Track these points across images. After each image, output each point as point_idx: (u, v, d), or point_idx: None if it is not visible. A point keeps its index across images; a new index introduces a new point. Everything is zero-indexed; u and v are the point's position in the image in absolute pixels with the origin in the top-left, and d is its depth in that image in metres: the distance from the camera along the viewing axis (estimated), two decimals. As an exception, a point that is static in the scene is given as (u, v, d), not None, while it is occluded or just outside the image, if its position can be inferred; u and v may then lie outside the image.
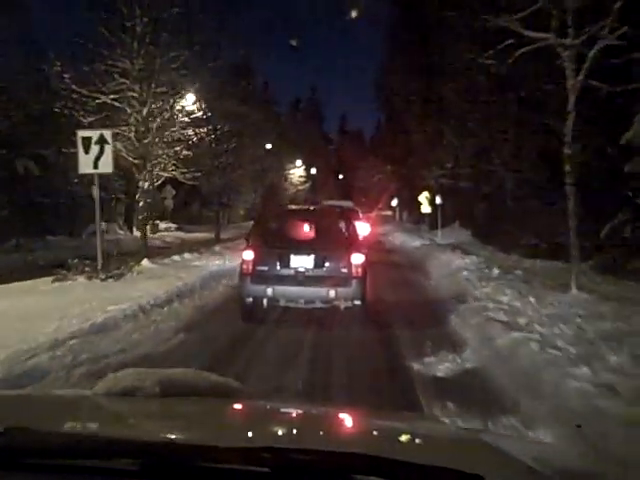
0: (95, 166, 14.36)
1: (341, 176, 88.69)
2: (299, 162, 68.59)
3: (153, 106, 19.92)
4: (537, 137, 22.34)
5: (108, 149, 14.12)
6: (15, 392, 4.32)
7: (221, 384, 2.50)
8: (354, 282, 9.99)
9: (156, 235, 37.35)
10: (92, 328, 9.19)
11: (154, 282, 13.91)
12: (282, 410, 2.69)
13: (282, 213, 11.71)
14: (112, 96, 17.83)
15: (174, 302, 12.24)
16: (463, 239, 29.13)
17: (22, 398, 2.87)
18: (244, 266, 10.35)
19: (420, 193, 36.79)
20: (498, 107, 23.66)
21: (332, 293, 9.93)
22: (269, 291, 10.13)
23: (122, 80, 17.91)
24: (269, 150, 48.87)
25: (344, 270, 10.01)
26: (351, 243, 10.48)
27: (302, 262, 10.16)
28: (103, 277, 14.34)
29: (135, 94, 17.95)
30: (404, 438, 2.23)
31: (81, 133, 14.40)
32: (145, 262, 17.53)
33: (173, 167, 34.80)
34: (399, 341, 9.31)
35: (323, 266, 10.09)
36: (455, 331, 9.91)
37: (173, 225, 45.47)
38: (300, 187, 67.08)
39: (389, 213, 71.85)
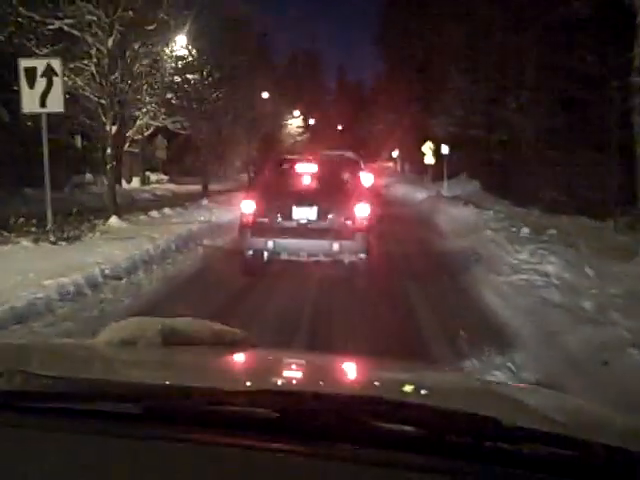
0: (42, 104, 11.67)
1: (340, 127, 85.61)
2: (297, 112, 66.03)
3: (140, 49, 18.43)
4: (559, 80, 19.24)
5: (58, 83, 11.42)
6: (13, 341, 4.08)
7: (227, 333, 2.28)
8: (358, 235, 9.54)
9: (147, 187, 34.55)
10: (9, 314, 6.59)
11: (118, 245, 11.42)
12: (291, 358, 2.53)
13: (283, 163, 11.16)
14: (67, 21, 14.54)
15: (138, 271, 9.96)
16: (471, 191, 26.41)
17: (20, 347, 2.63)
18: (244, 218, 9.95)
19: (423, 143, 34.60)
20: (515, 46, 20.46)
21: (335, 246, 9.51)
22: (270, 244, 9.74)
23: (82, 3, 14.60)
24: (265, 99, 47.13)
25: (348, 222, 9.60)
26: (355, 194, 10.00)
27: (304, 214, 9.76)
28: (53, 240, 11.68)
29: (94, 17, 14.71)
30: (416, 385, 2.03)
31: (24, 63, 11.47)
32: (114, 220, 14.85)
33: (163, 116, 33.08)
34: (423, 333, 6.85)
35: (326, 218, 9.68)
36: (496, 317, 7.33)
37: (165, 177, 42.56)
38: (298, 138, 63.98)
39: (390, 165, 69.43)
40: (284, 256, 9.90)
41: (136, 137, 34.65)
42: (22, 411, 1.47)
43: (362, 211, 9.66)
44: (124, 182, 34.79)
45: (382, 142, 60.01)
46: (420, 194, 29.72)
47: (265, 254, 10.11)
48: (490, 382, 2.83)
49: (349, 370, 2.38)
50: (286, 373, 2.19)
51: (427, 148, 34.11)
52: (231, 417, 1.41)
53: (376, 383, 2.13)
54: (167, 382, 1.72)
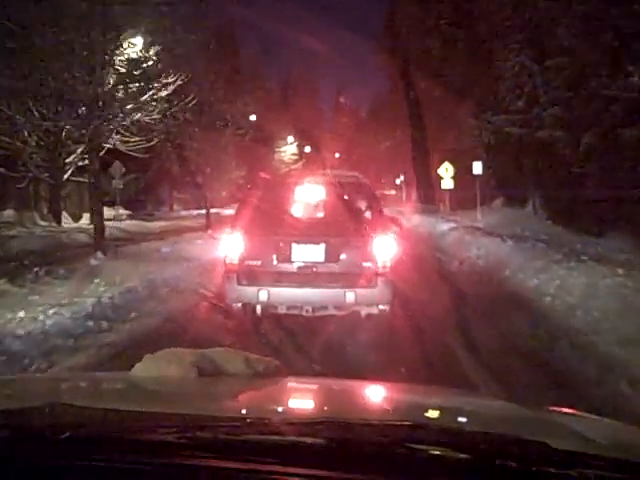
0: None
1: (337, 154, 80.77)
2: (291, 139, 65.82)
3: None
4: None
5: None
6: (52, 374, 4.50)
7: (259, 362, 2.40)
8: (381, 281, 7.94)
9: (92, 226, 27.38)
10: None
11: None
12: (326, 386, 2.62)
13: (279, 186, 8.99)
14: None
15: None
16: (525, 223, 18.94)
17: (59, 379, 2.85)
18: (227, 260, 8.27)
19: (438, 165, 30.64)
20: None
21: (350, 296, 7.93)
22: (263, 294, 8.09)
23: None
24: (254, 122, 44.38)
25: (366, 264, 7.98)
26: (375, 225, 8.25)
27: (308, 254, 8.16)
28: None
29: None
30: (456, 411, 2.13)
31: None
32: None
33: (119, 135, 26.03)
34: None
35: (337, 259, 8.07)
36: None
37: (125, 212, 36.83)
38: (292, 165, 59.55)
39: (392, 192, 65.09)
40: (282, 310, 8.25)
41: (80, 163, 27.64)
42: (67, 442, 1.46)
43: (385, 248, 8.06)
44: (65, 220, 27.37)
45: (384, 167, 53.45)
46: (441, 225, 24.69)
47: (258, 308, 8.28)
48: (523, 406, 2.53)
49: (386, 397, 2.40)
50: (327, 402, 2.23)
51: (445, 170, 29.95)
52: (281, 447, 1.42)
53: (417, 409, 2.14)
54: (212, 413, 1.76)
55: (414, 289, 10.41)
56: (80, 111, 18.38)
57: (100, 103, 18.52)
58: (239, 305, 8.42)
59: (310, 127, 75.35)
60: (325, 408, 2.09)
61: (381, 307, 8.11)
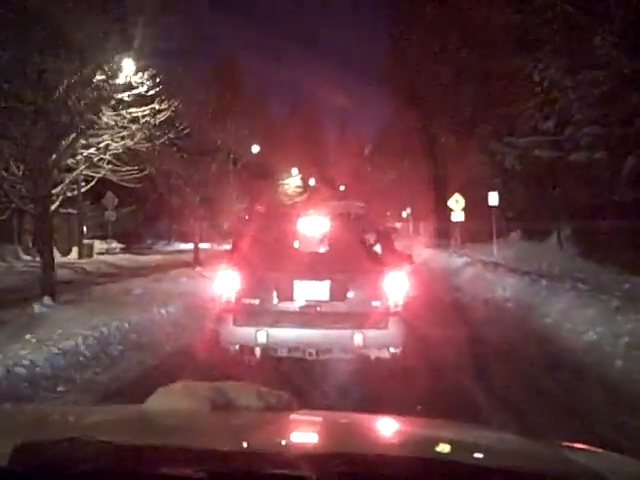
0: None
1: (342, 187, 79.91)
2: (295, 171, 62.82)
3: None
4: None
5: None
6: (65, 407, 4.61)
7: (272, 396, 2.39)
8: (392, 321, 7.34)
9: (84, 261, 27.13)
10: None
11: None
12: (339, 419, 2.63)
13: (280, 217, 8.49)
14: None
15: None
16: (554, 260, 16.76)
17: (72, 411, 2.86)
18: (222, 299, 7.71)
19: (449, 197, 29.01)
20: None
21: (358, 338, 7.28)
22: (262, 336, 7.45)
23: None
24: (257, 153, 44.10)
25: (376, 303, 7.39)
26: (385, 260, 7.67)
27: (312, 291, 7.57)
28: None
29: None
30: (470, 445, 2.13)
31: None
32: None
33: (109, 164, 24.25)
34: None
35: (344, 297, 7.48)
36: None
37: (118, 246, 35.34)
38: (297, 198, 57.34)
39: (398, 225, 61.35)
40: (282, 353, 7.58)
41: (69, 194, 25.27)
42: (86, 477, 1.48)
43: (396, 285, 7.46)
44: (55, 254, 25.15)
45: (390, 200, 51.77)
46: (454, 260, 23.23)
47: (257, 351, 7.59)
48: (536, 441, 2.48)
49: (399, 430, 2.38)
50: (340, 435, 2.18)
51: (455, 202, 28.43)
52: None
53: (430, 443, 2.12)
54: (228, 447, 1.74)
55: (430, 336, 8.91)
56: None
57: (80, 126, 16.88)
58: (236, 348, 7.73)
59: (314, 160, 74.97)
60: (337, 442, 2.01)
61: (392, 350, 7.50)
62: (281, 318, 7.55)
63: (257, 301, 7.67)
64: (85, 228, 35.18)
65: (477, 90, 22.96)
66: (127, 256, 31.05)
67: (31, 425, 2.16)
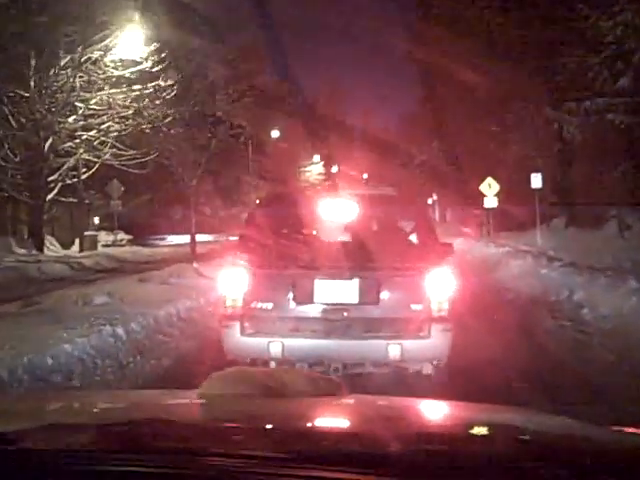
0: None
1: (366, 175, 78.33)
2: (317, 157, 62.98)
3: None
4: None
5: None
6: (122, 390, 4.50)
7: (323, 382, 2.41)
8: (436, 329, 6.18)
9: (86, 253, 24.61)
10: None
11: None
12: (391, 404, 2.59)
13: (297, 203, 7.15)
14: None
15: None
16: (620, 252, 13.97)
17: (131, 395, 2.98)
18: (228, 302, 6.48)
19: (481, 181, 26.51)
20: None
21: (395, 350, 6.16)
22: (276, 348, 6.26)
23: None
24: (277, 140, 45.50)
25: (416, 306, 6.24)
26: (427, 254, 6.48)
27: (337, 293, 6.41)
28: None
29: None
30: (528, 428, 2.06)
31: None
32: None
33: (110, 148, 23.63)
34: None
35: (376, 299, 6.30)
36: None
37: (126, 237, 33.34)
38: (319, 187, 55.61)
39: None
40: (302, 367, 6.18)
41: (69, 182, 23.78)
42: (151, 453, 1.51)
43: (441, 285, 6.25)
44: (52, 247, 23.16)
45: (415, 187, 49.91)
46: (491, 250, 20.90)
47: (271, 366, 6.30)
48: (586, 424, 2.39)
49: (452, 415, 2.39)
50: (391, 418, 2.14)
51: (487, 187, 26.26)
52: (354, 457, 1.47)
53: (488, 426, 2.09)
54: (283, 430, 1.79)
55: (485, 355, 6.94)
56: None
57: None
58: (246, 362, 6.57)
59: (337, 147, 72.72)
60: (389, 425, 1.87)
61: (435, 363, 6.47)
62: (299, 326, 6.46)
63: (270, 305, 6.48)
64: (97, 219, 33.27)
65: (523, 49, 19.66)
66: (134, 248, 29.17)
67: (80, 411, 2.14)
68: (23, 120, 21.35)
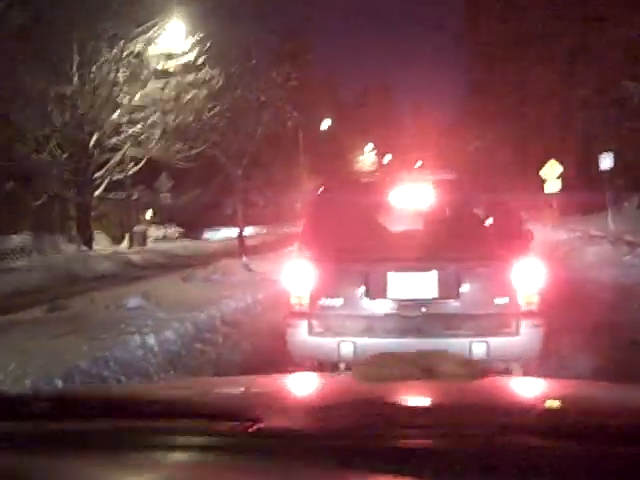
0: None
1: (420, 163, 77.52)
2: (370, 146, 62.41)
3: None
4: None
5: None
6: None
7: (471, 365, 2.58)
8: (526, 325, 5.60)
9: (135, 249, 24.56)
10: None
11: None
12: (536, 385, 2.59)
13: (364, 189, 6.57)
14: None
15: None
16: None
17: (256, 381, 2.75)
18: (293, 299, 5.94)
19: (541, 166, 25.63)
20: None
21: (480, 349, 5.53)
22: (347, 348, 5.71)
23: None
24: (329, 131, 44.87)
25: (501, 300, 5.65)
26: (513, 243, 5.86)
27: (413, 286, 5.83)
28: None
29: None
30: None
31: None
32: None
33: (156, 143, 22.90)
34: None
35: (456, 293, 5.69)
36: None
37: (177, 230, 33.22)
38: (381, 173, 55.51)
39: None
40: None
41: (116, 177, 23.23)
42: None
43: (530, 276, 5.66)
44: (101, 243, 22.76)
45: (471, 172, 48.10)
46: (561, 235, 20.15)
47: (341, 368, 5.88)
48: None
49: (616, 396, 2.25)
50: (542, 401, 2.15)
51: (549, 170, 25.28)
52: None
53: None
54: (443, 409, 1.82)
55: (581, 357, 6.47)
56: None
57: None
58: (314, 364, 6.15)
59: (389, 135, 73.79)
60: (542, 407, 1.90)
61: (525, 362, 5.91)
62: (373, 324, 5.87)
63: (339, 301, 5.88)
64: (150, 213, 32.95)
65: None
66: (184, 243, 28.90)
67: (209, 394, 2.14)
68: (67, 116, 20.95)
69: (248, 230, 28.31)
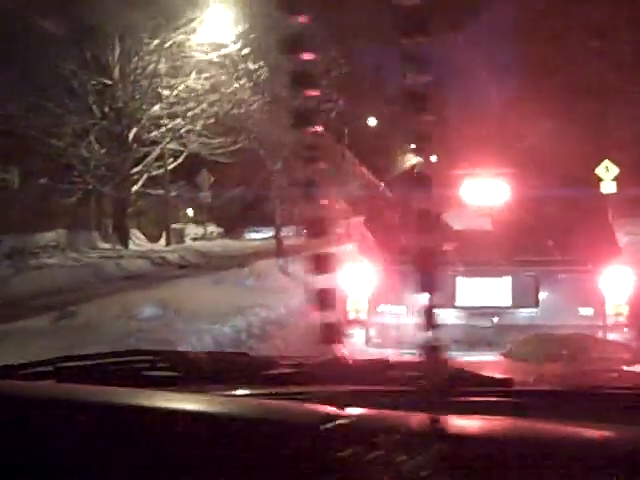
0: None
1: (466, 163, 76.99)
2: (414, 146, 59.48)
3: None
4: None
5: None
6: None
7: (619, 348, 2.67)
8: (612, 338, 5.02)
9: (170, 248, 23.67)
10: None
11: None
12: None
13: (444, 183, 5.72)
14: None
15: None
16: None
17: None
18: (350, 306, 5.42)
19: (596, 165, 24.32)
20: None
21: None
22: None
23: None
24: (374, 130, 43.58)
25: (587, 311, 5.12)
26: (599, 246, 5.34)
27: (484, 294, 5.40)
28: None
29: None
30: None
31: None
32: None
33: (200, 138, 22.40)
34: None
35: (536, 302, 5.23)
36: None
37: (216, 230, 32.21)
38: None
39: None
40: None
41: (155, 173, 22.75)
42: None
43: (617, 285, 5.09)
44: (138, 241, 22.19)
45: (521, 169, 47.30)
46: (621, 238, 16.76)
47: None
48: None
49: None
50: None
51: (605, 170, 24.38)
52: None
53: None
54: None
55: None
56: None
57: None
58: None
59: (435, 134, 73.22)
60: None
61: None
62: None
63: (402, 310, 5.34)
64: (191, 211, 32.40)
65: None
66: (224, 242, 28.19)
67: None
68: (106, 109, 20.40)
69: (289, 229, 27.56)
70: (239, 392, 1.52)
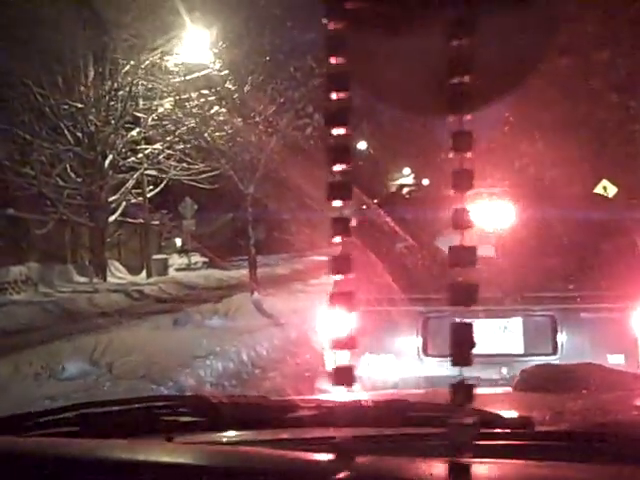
0: None
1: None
2: (407, 170, 59.70)
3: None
4: None
5: None
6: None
7: (627, 376, 2.59)
8: None
9: (152, 280, 22.86)
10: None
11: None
12: None
13: (429, 205, 5.40)
14: None
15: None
16: None
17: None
18: (326, 357, 4.75)
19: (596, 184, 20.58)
20: None
21: None
22: None
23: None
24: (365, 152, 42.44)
25: (618, 358, 4.49)
26: (629, 278, 4.68)
27: (488, 339, 4.72)
28: None
29: None
30: None
31: None
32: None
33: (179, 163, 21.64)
34: None
35: (554, 348, 4.67)
36: None
37: (200, 259, 30.52)
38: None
39: None
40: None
41: (133, 201, 21.82)
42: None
43: None
44: (118, 273, 21.08)
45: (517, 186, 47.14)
46: None
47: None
48: None
49: None
50: None
51: (602, 190, 20.95)
52: None
53: None
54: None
55: None
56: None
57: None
58: None
59: (427, 157, 72.62)
60: None
61: None
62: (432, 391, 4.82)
63: (388, 358, 4.74)
64: (179, 241, 31.53)
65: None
66: (208, 272, 27.35)
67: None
68: (79, 134, 19.32)
69: (273, 259, 26.55)
70: (259, 438, 1.54)
